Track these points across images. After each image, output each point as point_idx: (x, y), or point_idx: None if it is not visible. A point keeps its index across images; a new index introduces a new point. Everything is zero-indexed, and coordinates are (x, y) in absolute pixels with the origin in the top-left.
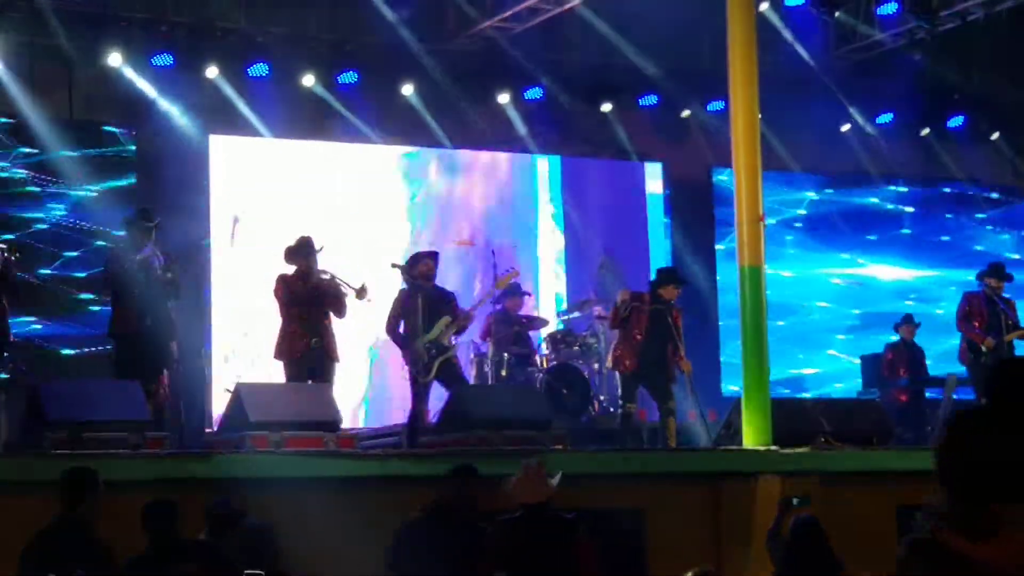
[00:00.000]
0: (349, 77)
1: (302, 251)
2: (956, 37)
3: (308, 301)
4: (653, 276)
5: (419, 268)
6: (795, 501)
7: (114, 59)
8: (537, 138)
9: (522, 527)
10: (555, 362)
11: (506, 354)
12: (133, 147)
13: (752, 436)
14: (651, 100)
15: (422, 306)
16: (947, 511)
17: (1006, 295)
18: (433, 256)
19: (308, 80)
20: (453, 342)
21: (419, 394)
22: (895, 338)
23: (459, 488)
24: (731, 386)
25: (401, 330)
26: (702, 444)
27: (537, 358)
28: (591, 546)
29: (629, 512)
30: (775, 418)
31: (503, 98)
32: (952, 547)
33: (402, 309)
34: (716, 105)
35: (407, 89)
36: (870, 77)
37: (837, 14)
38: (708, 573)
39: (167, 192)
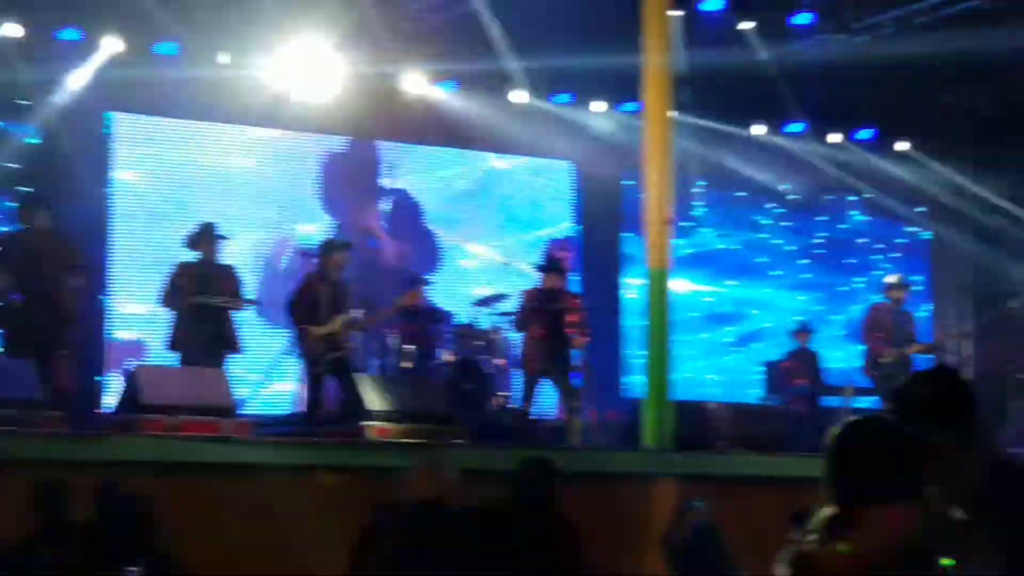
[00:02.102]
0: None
1: (205, 238)
2: (869, 50)
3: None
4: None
5: (332, 258)
6: (693, 505)
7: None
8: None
9: (417, 522)
10: (457, 357)
11: (409, 347)
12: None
13: (653, 438)
14: (564, 98)
15: (327, 297)
16: (824, 517)
17: (905, 308)
18: (348, 247)
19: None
20: (350, 342)
21: (314, 383)
22: (794, 346)
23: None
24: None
25: (298, 316)
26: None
27: (440, 352)
28: (486, 542)
29: None
30: (677, 421)
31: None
32: (812, 557)
33: (306, 295)
34: (629, 107)
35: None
36: (784, 86)
37: (752, 24)
38: None
39: (63, 170)
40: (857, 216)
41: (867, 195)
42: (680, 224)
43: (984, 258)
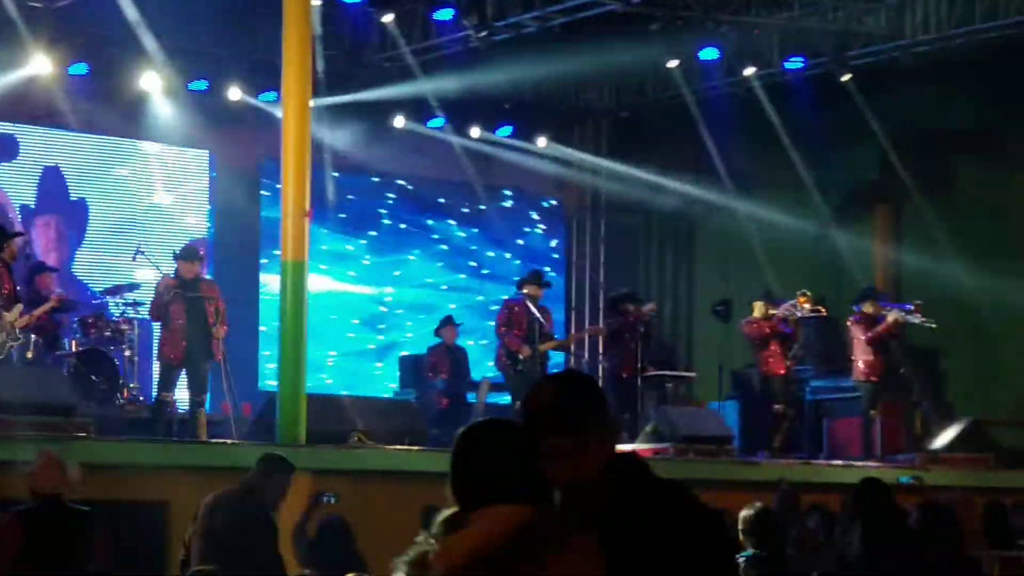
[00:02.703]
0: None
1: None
2: (509, 47)
3: None
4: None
5: (9, 248)
6: (324, 498)
7: None
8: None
9: (36, 518)
10: (85, 346)
11: (33, 336)
12: None
13: (285, 432)
14: (201, 85)
15: (9, 286)
16: (444, 517)
17: (544, 304)
18: (20, 235)
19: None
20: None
21: None
22: (435, 341)
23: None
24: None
25: None
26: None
27: (66, 341)
28: (107, 539)
29: (152, 505)
30: (310, 414)
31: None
32: (426, 557)
33: None
34: (268, 96)
35: None
36: (426, 80)
37: (392, 16)
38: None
39: None
40: (497, 213)
41: (507, 191)
42: (317, 217)
43: (618, 257)
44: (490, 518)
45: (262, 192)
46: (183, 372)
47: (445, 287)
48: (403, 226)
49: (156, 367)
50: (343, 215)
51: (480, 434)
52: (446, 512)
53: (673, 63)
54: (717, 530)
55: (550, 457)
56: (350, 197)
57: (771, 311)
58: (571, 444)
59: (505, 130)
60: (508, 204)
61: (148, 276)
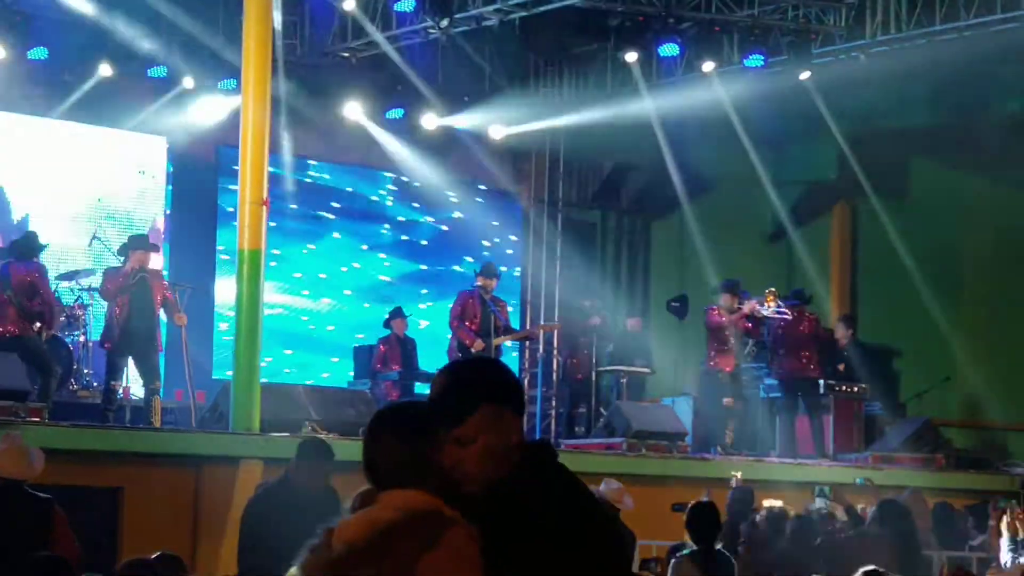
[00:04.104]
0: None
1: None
2: (470, 39)
3: None
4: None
5: None
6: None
7: None
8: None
9: None
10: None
11: None
12: None
13: (239, 420)
14: (161, 72)
15: None
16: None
17: (497, 294)
18: None
19: None
20: None
21: None
22: (386, 332)
23: None
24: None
25: None
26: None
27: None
28: (67, 526)
29: (106, 491)
30: (264, 403)
31: None
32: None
33: None
34: (228, 84)
35: None
36: (380, 71)
37: (352, 6)
38: None
39: None
40: (453, 205)
41: (464, 183)
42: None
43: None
44: (383, 503)
45: (220, 180)
46: (129, 360)
47: (391, 279)
48: (355, 216)
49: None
50: (294, 206)
51: (388, 418)
52: (363, 488)
53: (632, 58)
54: (609, 528)
55: (441, 448)
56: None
57: (736, 304)
58: (453, 436)
59: (463, 122)
60: (465, 197)
61: (104, 263)
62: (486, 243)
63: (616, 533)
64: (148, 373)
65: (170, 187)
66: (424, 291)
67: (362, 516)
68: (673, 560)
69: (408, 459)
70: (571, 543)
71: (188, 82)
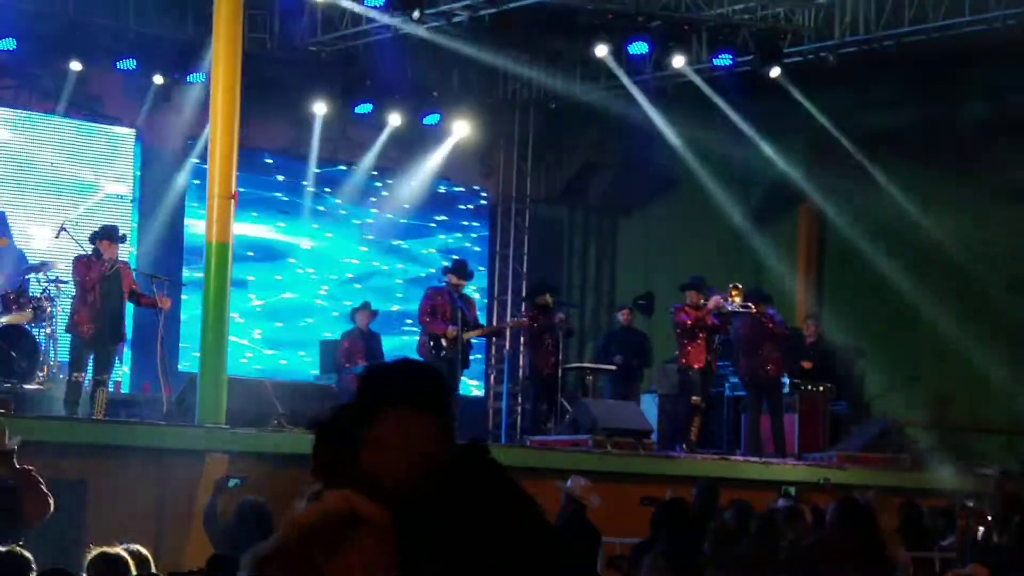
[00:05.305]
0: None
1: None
2: (440, 34)
3: None
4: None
5: None
6: (229, 482)
7: None
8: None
9: None
10: (4, 323)
11: None
12: None
13: (205, 413)
14: (130, 64)
15: None
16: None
17: (467, 292)
18: None
19: None
20: None
21: None
22: (351, 326)
23: None
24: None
25: None
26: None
27: None
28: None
29: (71, 483)
30: (230, 397)
31: None
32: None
33: None
34: (197, 77)
35: None
36: (350, 66)
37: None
38: None
39: None
40: (421, 200)
41: (432, 179)
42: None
43: (541, 249)
44: (320, 501)
45: (188, 173)
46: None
47: (355, 276)
48: (321, 208)
49: (69, 343)
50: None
51: (322, 420)
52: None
53: (602, 52)
54: (536, 535)
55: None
56: (280, 178)
57: (701, 300)
58: (364, 439)
59: (432, 118)
60: (433, 191)
61: (71, 254)
62: (452, 239)
63: (546, 539)
64: (102, 364)
65: (139, 179)
66: (398, 281)
67: (299, 516)
68: (647, 557)
69: (334, 461)
70: (487, 549)
71: (157, 76)
